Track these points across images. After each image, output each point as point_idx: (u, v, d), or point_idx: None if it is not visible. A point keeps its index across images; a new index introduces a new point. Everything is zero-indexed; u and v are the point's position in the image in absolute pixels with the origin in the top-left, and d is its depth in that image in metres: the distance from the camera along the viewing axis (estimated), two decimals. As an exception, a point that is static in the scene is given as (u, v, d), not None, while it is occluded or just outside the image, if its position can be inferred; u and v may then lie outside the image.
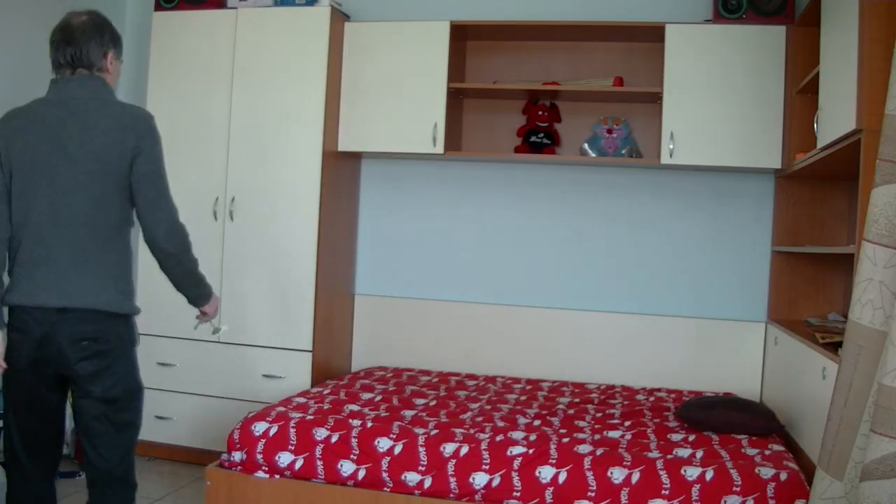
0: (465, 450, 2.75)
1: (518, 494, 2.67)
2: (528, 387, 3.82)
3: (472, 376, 4.03)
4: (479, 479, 2.70)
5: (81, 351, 2.26)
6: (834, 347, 2.67)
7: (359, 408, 3.19)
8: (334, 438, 2.86)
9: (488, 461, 2.72)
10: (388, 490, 2.77)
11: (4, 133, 2.32)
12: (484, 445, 2.77)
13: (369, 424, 2.91)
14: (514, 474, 2.68)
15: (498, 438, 2.83)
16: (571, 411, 3.35)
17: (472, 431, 2.90)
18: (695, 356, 3.92)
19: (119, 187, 2.31)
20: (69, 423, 3.84)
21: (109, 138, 2.29)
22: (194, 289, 2.52)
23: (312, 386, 3.77)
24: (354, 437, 2.85)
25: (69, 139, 2.28)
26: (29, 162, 2.28)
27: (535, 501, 2.65)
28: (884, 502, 2.06)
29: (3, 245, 2.30)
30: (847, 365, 2.25)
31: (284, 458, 2.87)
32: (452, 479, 2.72)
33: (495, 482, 2.69)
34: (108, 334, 2.31)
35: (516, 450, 2.73)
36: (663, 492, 2.57)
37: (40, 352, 2.26)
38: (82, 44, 2.33)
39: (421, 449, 2.78)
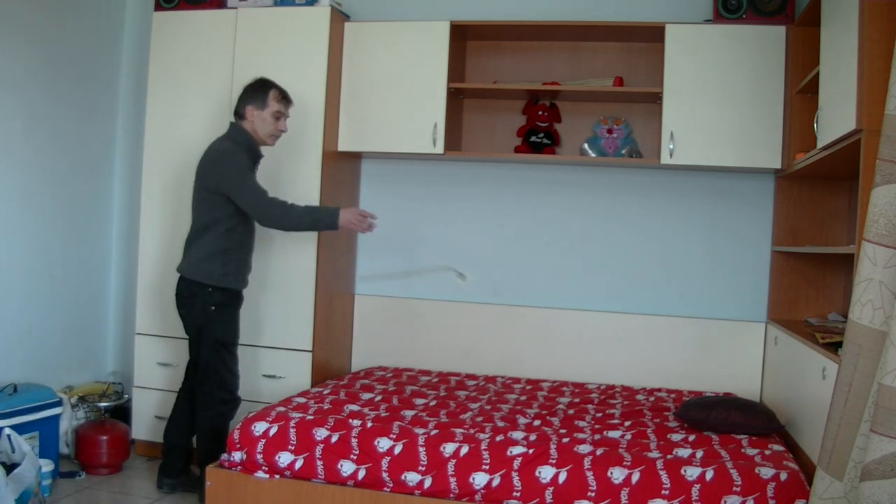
0: (465, 450, 2.75)
1: (518, 494, 2.67)
2: (528, 387, 3.82)
3: (472, 376, 4.03)
4: (479, 479, 2.70)
5: None
6: (834, 347, 2.67)
7: (359, 408, 3.19)
8: (334, 438, 2.86)
9: (488, 461, 2.72)
10: (388, 490, 2.77)
11: None
12: (484, 445, 2.77)
13: (369, 424, 2.91)
14: (514, 474, 2.68)
15: (498, 438, 2.83)
16: (571, 411, 3.35)
17: (472, 431, 2.90)
18: (695, 356, 3.92)
19: (204, 197, 3.35)
20: (69, 424, 3.85)
21: (202, 165, 3.38)
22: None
23: (312, 386, 3.77)
24: (354, 437, 2.85)
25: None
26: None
27: (535, 501, 2.65)
28: (884, 502, 2.06)
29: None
30: (847, 365, 2.25)
31: (284, 458, 2.87)
32: (452, 479, 2.72)
33: (495, 482, 2.69)
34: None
35: (516, 450, 2.73)
36: (663, 492, 2.57)
37: None
38: (238, 100, 3.43)
39: (421, 449, 2.78)
